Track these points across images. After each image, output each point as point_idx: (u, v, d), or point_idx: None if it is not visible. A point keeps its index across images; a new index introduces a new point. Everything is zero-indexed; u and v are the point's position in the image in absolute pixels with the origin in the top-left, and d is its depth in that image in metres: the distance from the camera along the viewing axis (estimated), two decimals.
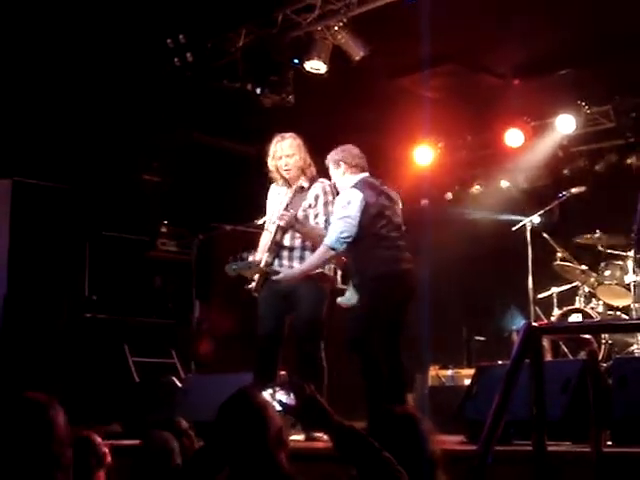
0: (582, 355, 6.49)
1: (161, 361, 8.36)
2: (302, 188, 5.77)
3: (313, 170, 5.86)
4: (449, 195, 11.23)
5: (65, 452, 2.67)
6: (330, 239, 5.51)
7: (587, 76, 9.01)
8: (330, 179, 5.87)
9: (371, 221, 5.50)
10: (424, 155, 10.88)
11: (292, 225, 5.69)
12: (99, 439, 3.71)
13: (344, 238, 5.47)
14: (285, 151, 5.81)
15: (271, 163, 5.89)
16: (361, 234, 5.49)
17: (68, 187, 8.41)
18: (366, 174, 5.75)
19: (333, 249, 5.51)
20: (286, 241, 5.78)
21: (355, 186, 5.60)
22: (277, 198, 5.93)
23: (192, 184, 9.35)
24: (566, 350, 7.55)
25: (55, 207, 8.31)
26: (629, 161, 9.60)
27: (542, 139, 10.17)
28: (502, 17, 7.76)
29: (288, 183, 5.86)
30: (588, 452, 3.35)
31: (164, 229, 9.01)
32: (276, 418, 2.88)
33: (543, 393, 3.06)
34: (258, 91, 7.85)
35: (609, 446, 4.40)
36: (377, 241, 5.53)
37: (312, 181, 5.80)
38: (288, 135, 5.88)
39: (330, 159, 5.79)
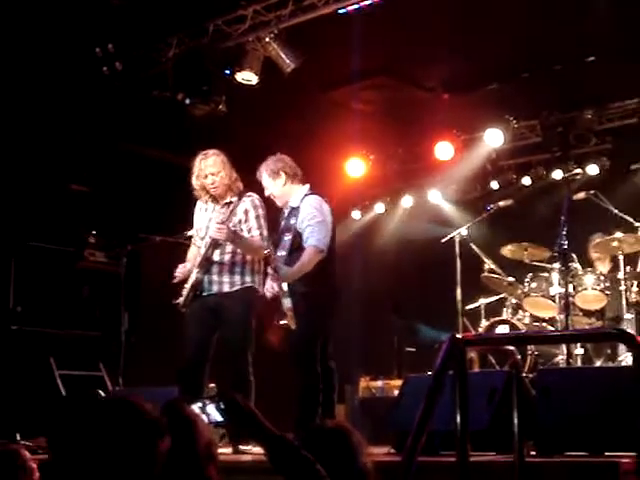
0: (508, 366, 6.58)
1: (88, 374, 8.22)
2: (231, 204, 5.72)
3: (240, 185, 5.82)
4: (380, 207, 11.32)
5: None
6: (319, 240, 5.45)
7: (515, 91, 9.18)
8: (261, 189, 5.82)
9: (332, 237, 5.58)
10: (356, 167, 10.96)
11: (230, 239, 5.64)
12: (27, 454, 3.62)
13: (327, 242, 5.46)
14: (210, 169, 5.75)
15: (196, 182, 5.82)
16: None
17: None
18: (308, 186, 5.75)
19: (322, 251, 5.47)
20: (216, 256, 5.74)
21: (319, 196, 5.61)
22: (204, 214, 5.87)
23: (121, 194, 9.23)
24: (493, 361, 7.64)
25: None
26: (555, 175, 9.79)
27: (471, 152, 10.33)
28: (433, 32, 7.86)
29: (215, 199, 5.82)
30: (511, 462, 3.39)
31: (92, 240, 8.86)
32: (205, 431, 2.84)
33: (467, 404, 3.09)
34: (187, 101, 7.80)
35: (533, 456, 4.47)
36: (330, 255, 5.55)
37: (240, 196, 5.76)
38: (211, 152, 5.82)
39: (267, 168, 5.72)
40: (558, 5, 7.31)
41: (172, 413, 2.83)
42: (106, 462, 2.41)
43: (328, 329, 5.62)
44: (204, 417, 2.93)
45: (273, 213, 5.91)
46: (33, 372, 7.96)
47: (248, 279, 5.73)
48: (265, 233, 5.74)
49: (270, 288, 5.52)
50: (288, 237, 5.42)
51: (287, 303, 5.26)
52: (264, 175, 5.71)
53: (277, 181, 5.67)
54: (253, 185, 5.94)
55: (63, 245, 8.66)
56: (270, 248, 5.48)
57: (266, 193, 5.76)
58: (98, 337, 8.59)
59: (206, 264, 5.71)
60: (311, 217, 5.51)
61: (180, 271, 5.82)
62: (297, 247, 5.45)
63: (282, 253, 5.37)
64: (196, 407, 2.93)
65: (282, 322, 5.35)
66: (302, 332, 5.31)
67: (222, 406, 2.90)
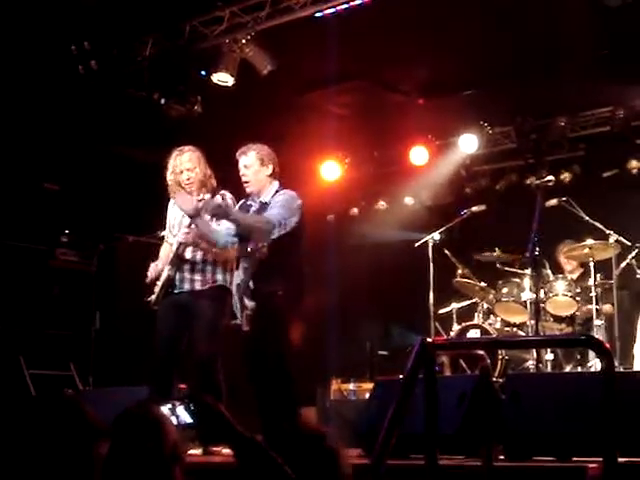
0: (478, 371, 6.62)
1: (58, 373, 8.17)
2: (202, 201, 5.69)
3: (213, 182, 5.80)
4: (355, 211, 11.34)
5: None
6: (275, 217, 5.32)
7: (490, 97, 9.23)
8: (234, 188, 5.76)
9: (300, 236, 5.50)
10: (331, 170, 10.96)
11: (197, 243, 5.63)
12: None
13: (279, 227, 5.35)
14: (185, 165, 5.74)
15: (170, 178, 5.80)
16: (288, 247, 5.44)
17: None
18: (277, 182, 5.70)
19: (274, 227, 5.31)
20: (187, 254, 5.73)
21: (293, 193, 5.56)
22: (177, 211, 5.86)
23: (95, 193, 9.18)
24: (464, 365, 7.68)
25: None
26: (528, 181, 9.85)
27: (446, 157, 10.38)
28: (408, 37, 7.88)
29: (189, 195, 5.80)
30: (480, 466, 3.41)
31: (65, 239, 8.82)
32: (172, 432, 2.84)
33: (436, 408, 3.11)
34: (163, 101, 7.78)
35: (501, 460, 4.49)
36: (299, 256, 5.51)
37: (213, 193, 5.74)
38: (187, 148, 5.81)
39: (259, 152, 5.59)
40: (531, 13, 7.36)
41: (139, 413, 2.83)
42: (41, 462, 2.40)
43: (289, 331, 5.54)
44: (174, 419, 2.93)
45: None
46: (3, 371, 7.89)
47: (220, 277, 5.72)
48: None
49: (237, 281, 5.48)
50: None
51: (249, 302, 5.24)
52: (253, 156, 5.58)
53: (262, 169, 5.59)
54: (227, 184, 5.91)
55: (35, 244, 8.61)
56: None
57: (242, 171, 5.59)
58: (69, 336, 8.54)
59: (178, 262, 5.70)
60: (279, 203, 5.44)
61: (152, 270, 5.80)
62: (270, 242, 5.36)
63: (250, 247, 5.31)
64: (166, 409, 2.92)
65: (233, 322, 5.33)
66: (265, 334, 5.28)
67: (192, 408, 2.90)
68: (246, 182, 5.61)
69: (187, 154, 5.76)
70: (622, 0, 6.76)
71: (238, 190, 5.78)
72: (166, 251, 5.90)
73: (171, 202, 5.94)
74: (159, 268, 5.77)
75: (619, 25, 7.35)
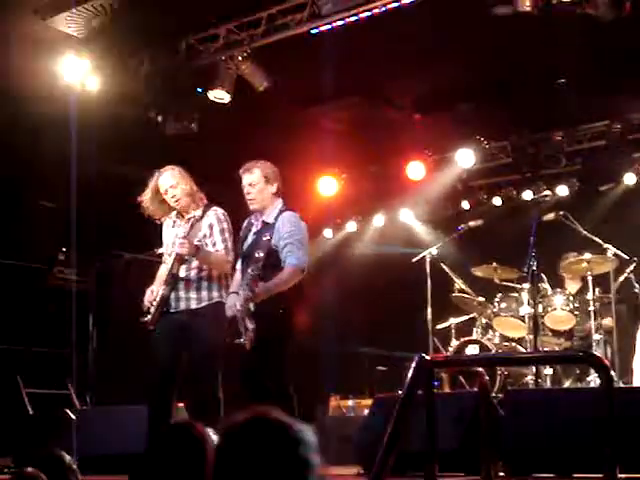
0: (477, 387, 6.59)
1: (56, 392, 8.14)
2: (195, 218, 5.68)
3: (202, 197, 5.77)
4: (352, 226, 11.36)
5: None
6: (299, 259, 5.28)
7: (487, 112, 9.25)
8: (228, 203, 5.72)
9: None
10: (328, 185, 10.98)
11: (194, 254, 5.58)
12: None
13: (306, 261, 5.35)
14: (168, 182, 5.71)
15: (153, 198, 5.75)
16: None
17: None
18: (282, 201, 5.66)
19: (303, 271, 5.31)
20: (182, 272, 5.68)
21: (295, 212, 5.51)
22: (171, 231, 5.83)
23: (92, 211, 9.16)
24: (463, 381, 7.66)
25: None
26: (525, 196, 9.86)
27: (442, 172, 10.39)
28: (405, 53, 7.91)
29: (180, 215, 5.78)
30: None
31: (62, 256, 8.79)
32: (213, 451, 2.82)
33: (435, 425, 3.10)
34: (160, 119, 7.79)
35: (501, 477, 4.47)
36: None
37: (205, 209, 5.72)
38: (167, 168, 5.76)
39: (265, 169, 5.50)
40: (527, 28, 7.38)
41: (184, 432, 2.80)
42: None
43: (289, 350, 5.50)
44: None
45: (236, 227, 5.81)
46: (0, 390, 7.86)
47: (216, 294, 5.68)
48: (230, 246, 5.66)
49: (232, 306, 5.42)
50: (261, 254, 5.26)
51: (250, 324, 5.19)
52: (258, 174, 5.49)
53: (268, 187, 5.53)
54: (222, 201, 5.87)
55: (32, 262, 8.58)
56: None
57: (247, 189, 5.49)
58: (66, 355, 8.51)
59: (172, 280, 5.66)
60: (290, 234, 5.35)
61: (148, 297, 5.75)
62: (272, 265, 5.26)
63: (254, 271, 5.23)
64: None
65: (237, 341, 5.27)
66: (267, 354, 5.24)
67: None
68: (251, 200, 5.52)
69: (168, 172, 5.72)
70: (615, 14, 6.77)
71: (235, 207, 5.75)
72: (164, 271, 5.87)
73: (165, 223, 5.91)
74: (153, 296, 5.72)
75: (614, 39, 7.37)
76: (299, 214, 5.55)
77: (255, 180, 5.52)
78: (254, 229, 5.57)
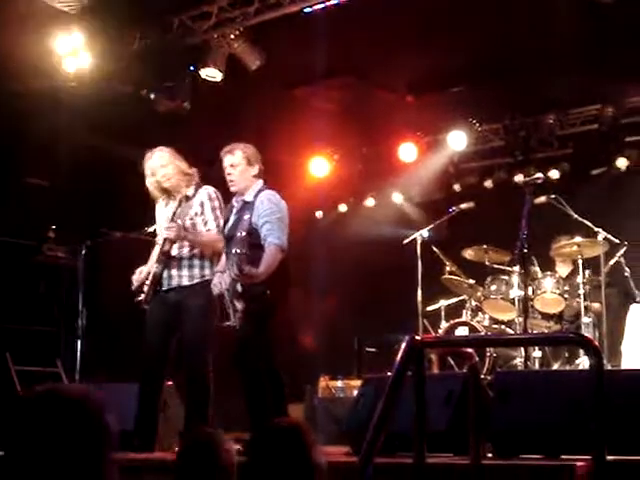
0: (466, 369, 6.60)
1: (45, 370, 8.12)
2: (187, 197, 5.67)
3: (195, 176, 5.75)
4: (343, 207, 11.34)
5: None
6: (279, 238, 5.27)
7: (479, 95, 9.22)
8: (218, 183, 5.69)
9: None
10: (319, 166, 10.94)
11: (182, 237, 5.58)
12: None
13: (286, 240, 5.34)
14: (158, 162, 5.71)
15: (150, 181, 5.77)
16: None
17: None
18: (262, 181, 5.63)
19: (284, 250, 5.30)
20: (174, 251, 5.69)
21: (275, 191, 5.49)
22: (164, 211, 5.83)
23: (82, 189, 9.12)
24: (452, 363, 7.67)
25: None
26: (517, 179, 9.86)
27: (434, 154, 10.37)
28: (398, 34, 7.87)
29: (172, 195, 5.76)
30: (467, 464, 3.40)
31: (51, 234, 8.75)
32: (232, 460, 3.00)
33: (424, 405, 3.09)
34: (152, 96, 7.75)
35: (489, 458, 4.48)
36: (284, 257, 5.44)
37: (197, 187, 5.71)
38: (155, 149, 5.77)
39: (246, 151, 5.50)
40: (521, 10, 7.36)
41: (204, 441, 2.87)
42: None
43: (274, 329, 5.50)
44: None
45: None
46: None
47: (207, 272, 5.68)
48: (222, 225, 5.66)
49: (218, 284, 5.41)
50: (244, 234, 5.19)
51: (239, 304, 5.19)
52: (239, 155, 5.48)
53: (249, 169, 5.51)
54: (210, 180, 5.85)
55: (21, 239, 8.55)
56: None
57: (228, 171, 5.49)
58: (55, 332, 8.50)
59: (164, 259, 5.67)
60: (269, 213, 5.34)
61: (136, 278, 5.74)
62: (253, 244, 5.23)
63: (239, 250, 5.20)
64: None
65: (227, 323, 5.26)
66: (255, 334, 5.24)
67: None
68: (231, 181, 5.52)
69: (157, 153, 5.74)
70: None
71: (225, 187, 5.72)
72: (156, 252, 5.87)
73: (159, 203, 5.90)
74: (142, 276, 5.72)
75: (609, 22, 7.35)
76: (278, 194, 5.52)
77: (236, 161, 5.50)
78: (234, 210, 5.55)
